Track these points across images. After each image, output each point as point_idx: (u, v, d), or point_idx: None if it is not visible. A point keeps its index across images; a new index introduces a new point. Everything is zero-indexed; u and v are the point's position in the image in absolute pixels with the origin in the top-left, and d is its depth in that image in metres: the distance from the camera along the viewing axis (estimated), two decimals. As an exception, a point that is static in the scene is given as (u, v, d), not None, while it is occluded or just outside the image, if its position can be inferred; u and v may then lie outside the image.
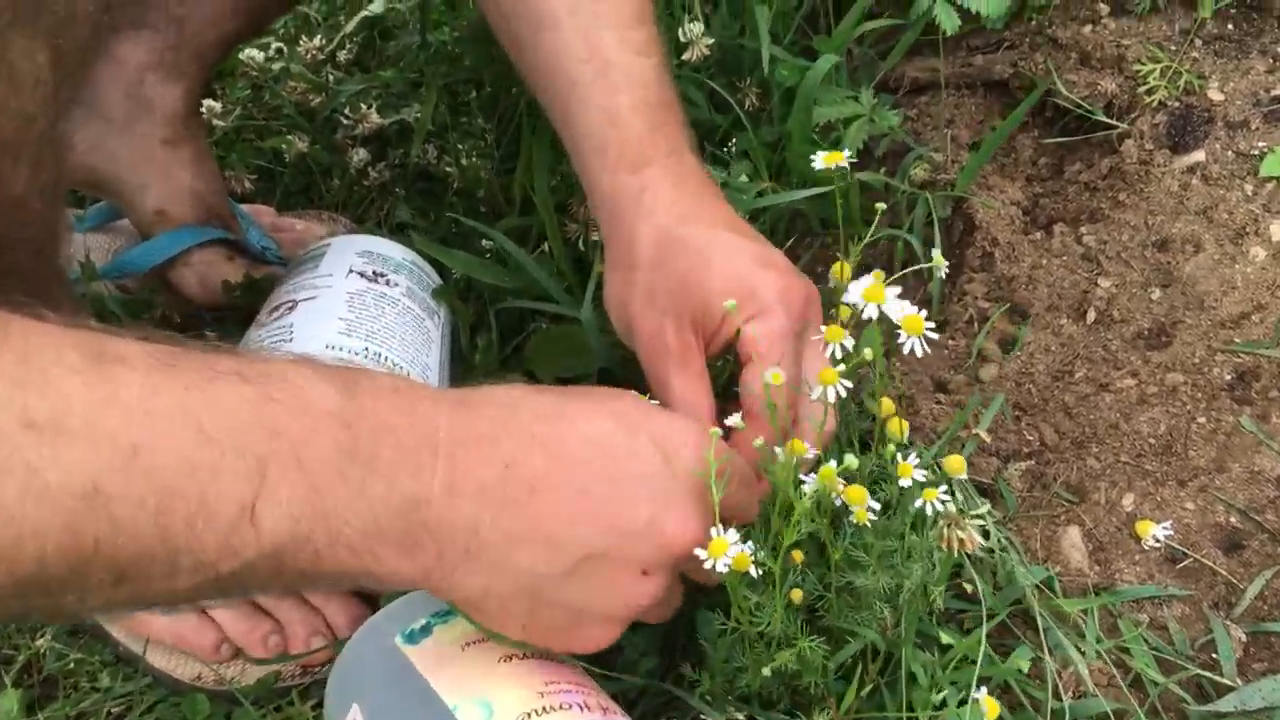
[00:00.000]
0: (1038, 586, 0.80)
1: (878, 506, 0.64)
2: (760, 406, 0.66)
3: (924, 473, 0.84)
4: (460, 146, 1.09)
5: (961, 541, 0.66)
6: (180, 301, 1.08)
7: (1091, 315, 0.96)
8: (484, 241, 1.00)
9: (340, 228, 1.14)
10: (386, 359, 0.77)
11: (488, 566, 0.56)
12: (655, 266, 0.74)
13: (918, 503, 0.64)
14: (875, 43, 1.17)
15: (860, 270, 0.83)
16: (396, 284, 0.86)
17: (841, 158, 0.74)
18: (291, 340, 0.76)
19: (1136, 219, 0.99)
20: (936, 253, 0.75)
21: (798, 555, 0.65)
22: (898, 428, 0.66)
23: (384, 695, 0.64)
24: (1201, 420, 0.89)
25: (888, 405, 0.72)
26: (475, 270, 0.90)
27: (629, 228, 0.76)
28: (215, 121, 1.23)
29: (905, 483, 0.64)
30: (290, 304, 0.84)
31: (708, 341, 0.74)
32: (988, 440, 0.86)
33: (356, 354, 0.75)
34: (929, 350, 0.64)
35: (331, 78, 1.23)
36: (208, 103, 1.23)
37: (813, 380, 0.68)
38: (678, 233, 0.74)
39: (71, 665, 0.82)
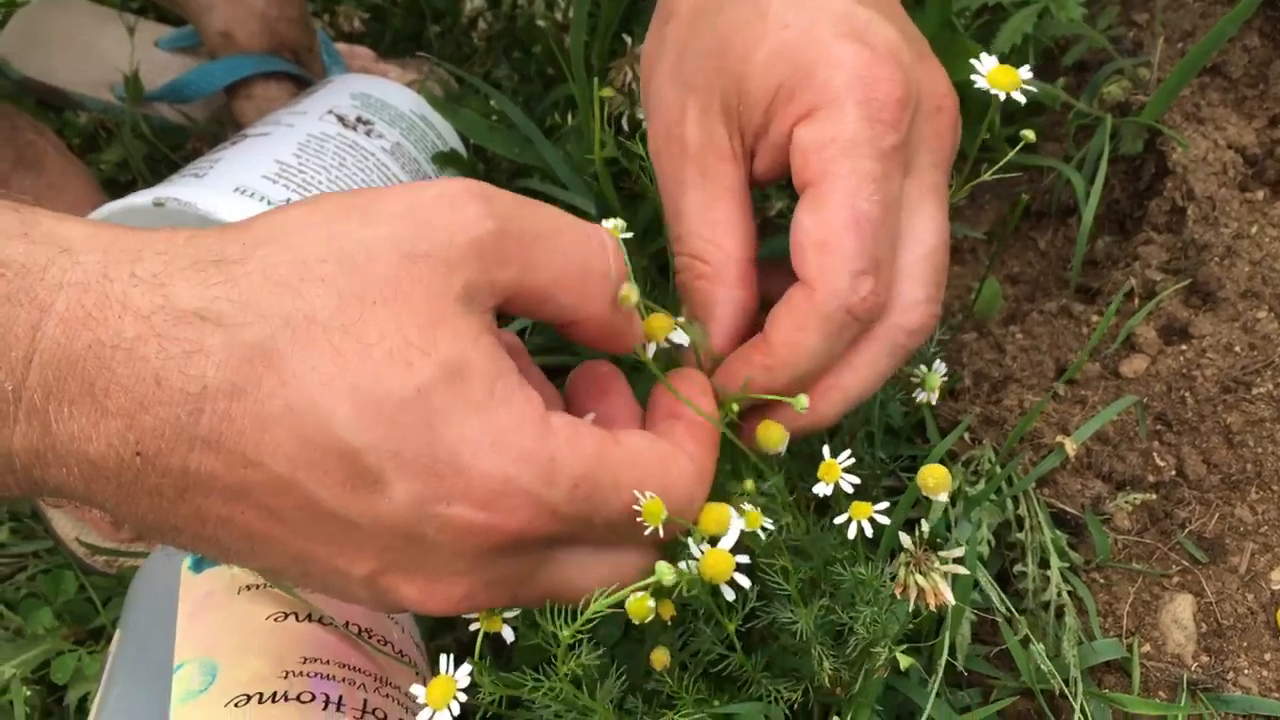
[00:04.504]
0: (1097, 669, 0.58)
1: (769, 525, 0.43)
2: (814, 268, 0.43)
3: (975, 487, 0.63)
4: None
5: (923, 592, 0.45)
6: (243, 137, 0.98)
7: (1304, 312, 0.69)
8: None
9: (434, 81, 1.01)
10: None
11: None
12: (694, 19, 0.48)
13: (840, 519, 0.43)
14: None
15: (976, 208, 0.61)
16: (382, 136, 0.72)
17: (1016, 79, 0.48)
18: (205, 176, 0.63)
19: (1406, 188, 0.70)
20: None
21: (667, 610, 0.44)
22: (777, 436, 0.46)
23: (144, 625, 0.52)
24: None
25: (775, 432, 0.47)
26: (480, 135, 0.74)
27: None
28: (350, -48, 1.12)
29: (824, 489, 0.44)
30: (242, 136, 0.71)
31: (751, 147, 0.48)
32: (1071, 455, 0.62)
33: (274, 203, 0.61)
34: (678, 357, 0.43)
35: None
36: (341, -71, 1.13)
37: (914, 252, 0.47)
38: None
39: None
